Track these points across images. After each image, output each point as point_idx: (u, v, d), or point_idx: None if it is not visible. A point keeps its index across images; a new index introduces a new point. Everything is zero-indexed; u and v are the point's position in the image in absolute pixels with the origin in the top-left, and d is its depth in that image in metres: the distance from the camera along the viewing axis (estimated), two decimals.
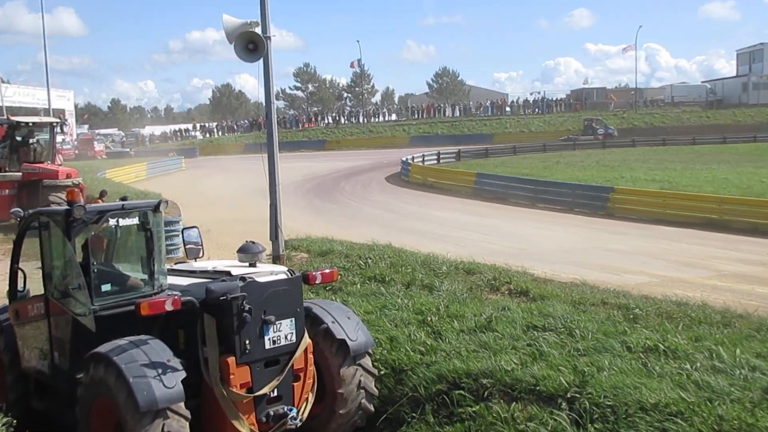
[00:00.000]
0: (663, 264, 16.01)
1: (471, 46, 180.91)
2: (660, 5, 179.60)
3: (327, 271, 7.55)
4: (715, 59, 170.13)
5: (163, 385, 5.89)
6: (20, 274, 7.85)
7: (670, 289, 12.06)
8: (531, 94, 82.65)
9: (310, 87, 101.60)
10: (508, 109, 75.85)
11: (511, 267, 12.75)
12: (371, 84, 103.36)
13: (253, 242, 7.46)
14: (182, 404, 5.98)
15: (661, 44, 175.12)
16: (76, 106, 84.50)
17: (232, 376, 6.37)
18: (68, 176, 21.43)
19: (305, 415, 6.87)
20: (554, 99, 77.50)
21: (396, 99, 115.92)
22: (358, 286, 11.58)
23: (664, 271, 15.15)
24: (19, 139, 22.10)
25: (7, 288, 8.00)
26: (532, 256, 16.34)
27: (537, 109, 74.75)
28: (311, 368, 6.98)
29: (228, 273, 7.02)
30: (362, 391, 7.19)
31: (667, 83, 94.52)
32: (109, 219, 6.95)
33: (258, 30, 12.91)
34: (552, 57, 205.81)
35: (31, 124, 22.50)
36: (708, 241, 19.18)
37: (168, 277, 7.38)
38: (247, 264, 7.34)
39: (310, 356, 6.97)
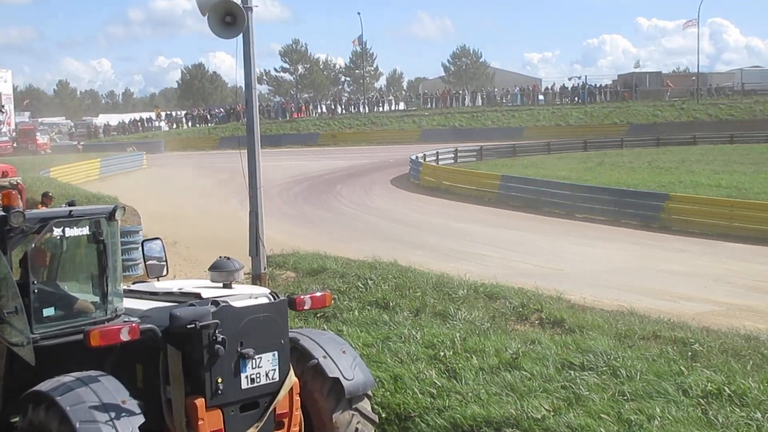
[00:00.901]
0: (728, 289, 15.98)
1: (496, 20, 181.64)
2: None
3: (318, 294, 7.55)
4: None
5: (117, 431, 5.90)
6: None
7: (737, 319, 12.06)
8: (569, 79, 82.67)
9: (300, 69, 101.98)
10: (541, 97, 75.96)
11: (543, 291, 12.77)
12: (374, 66, 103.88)
13: (229, 258, 7.46)
14: None
15: (728, 19, 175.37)
16: (14, 89, 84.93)
17: (200, 422, 6.37)
18: (4, 174, 21.53)
19: None
20: (597, 85, 77.55)
21: (405, 84, 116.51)
22: (356, 312, 11.60)
23: (729, 297, 15.13)
24: None
25: None
26: (568, 277, 16.34)
27: (576, 98, 74.79)
28: (297, 413, 6.98)
29: (197, 296, 7.03)
30: None
31: (736, 67, 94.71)
32: (54, 228, 6.95)
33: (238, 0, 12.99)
34: (595, 34, 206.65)
35: None
36: None
37: (125, 299, 7.40)
38: (220, 285, 7.34)
39: (297, 398, 6.96)
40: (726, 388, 7.73)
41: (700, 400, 7.59)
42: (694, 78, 77.26)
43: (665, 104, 70.89)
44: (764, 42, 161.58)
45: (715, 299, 14.89)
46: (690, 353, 9.12)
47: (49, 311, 6.88)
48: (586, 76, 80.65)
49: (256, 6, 13.91)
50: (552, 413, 7.34)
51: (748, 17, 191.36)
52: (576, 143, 54.90)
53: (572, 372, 8.56)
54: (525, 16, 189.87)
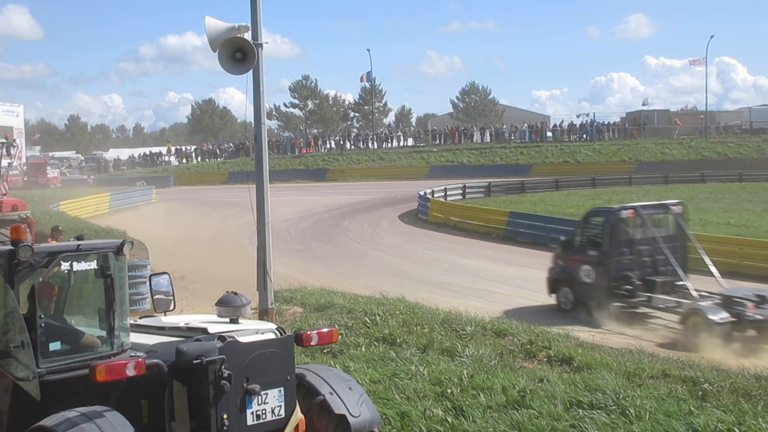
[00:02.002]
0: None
1: (505, 58, 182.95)
2: (735, 11, 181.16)
3: (325, 330, 7.53)
4: None
5: None
6: None
7: (746, 359, 11.95)
8: (578, 116, 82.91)
9: (310, 104, 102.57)
10: (549, 134, 76.06)
11: (551, 328, 12.71)
12: (383, 102, 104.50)
13: (236, 293, 7.47)
14: None
15: (735, 58, 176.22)
16: (26, 124, 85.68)
17: None
18: (14, 208, 21.61)
19: None
20: (606, 123, 77.78)
21: (413, 120, 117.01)
22: (363, 348, 11.56)
23: (738, 336, 14.98)
24: None
25: None
26: (576, 315, 16.26)
27: (585, 135, 74.94)
28: None
29: (204, 331, 7.02)
30: None
31: (744, 105, 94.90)
32: (62, 262, 6.97)
33: (247, 36, 13.11)
34: (603, 72, 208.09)
35: None
36: None
37: (131, 334, 7.39)
38: (227, 320, 7.34)
39: None
40: (736, 429, 7.66)
41: None
42: (702, 116, 77.50)
43: (673, 142, 71.00)
44: None
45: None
46: (700, 393, 9.05)
47: (55, 345, 6.87)
48: (594, 114, 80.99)
49: (266, 43, 14.05)
50: None
51: (755, 56, 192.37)
52: (584, 180, 54.90)
53: (581, 411, 8.49)
54: (533, 54, 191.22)
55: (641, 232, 17.60)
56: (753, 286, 17.97)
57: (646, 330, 15.80)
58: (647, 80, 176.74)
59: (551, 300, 18.31)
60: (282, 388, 6.78)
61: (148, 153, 78.28)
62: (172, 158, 75.94)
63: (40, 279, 6.94)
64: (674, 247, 17.61)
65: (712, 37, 77.13)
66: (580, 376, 9.82)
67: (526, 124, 77.55)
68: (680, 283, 16.76)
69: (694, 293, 16.01)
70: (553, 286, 18.38)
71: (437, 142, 76.24)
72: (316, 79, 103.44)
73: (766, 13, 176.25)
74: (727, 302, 15.08)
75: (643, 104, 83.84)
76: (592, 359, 10.65)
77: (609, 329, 15.39)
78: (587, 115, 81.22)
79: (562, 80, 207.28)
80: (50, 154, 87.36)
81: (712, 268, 17.04)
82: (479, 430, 8.11)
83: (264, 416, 6.67)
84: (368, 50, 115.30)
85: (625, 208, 17.96)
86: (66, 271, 7.08)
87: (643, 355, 11.17)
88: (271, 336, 6.99)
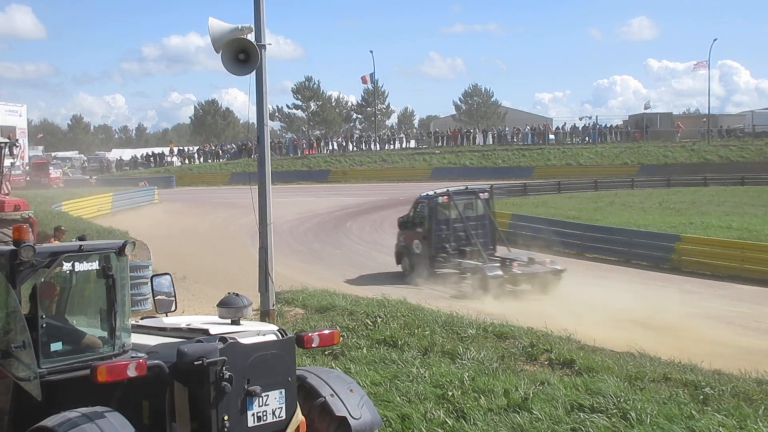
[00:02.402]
0: (740, 331, 15.87)
1: (507, 60, 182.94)
2: (737, 14, 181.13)
3: (326, 331, 7.53)
4: None
5: None
6: None
7: (748, 363, 11.92)
8: (580, 119, 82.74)
9: (312, 105, 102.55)
10: (551, 136, 76.10)
11: (553, 331, 12.69)
12: (386, 103, 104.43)
13: (237, 294, 7.48)
14: None
15: (738, 62, 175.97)
16: (29, 123, 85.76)
17: None
18: (16, 208, 21.60)
19: None
20: (608, 126, 77.77)
21: (416, 122, 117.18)
22: (364, 350, 11.56)
23: (740, 339, 15.01)
24: None
25: None
26: (578, 317, 16.23)
27: (587, 138, 74.96)
28: None
29: (205, 332, 7.02)
30: None
31: (746, 109, 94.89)
32: (64, 263, 6.98)
33: (251, 37, 13.12)
34: (606, 75, 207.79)
35: None
36: None
37: (132, 335, 7.39)
38: (228, 321, 7.35)
39: None
40: None
41: None
42: (704, 119, 77.40)
43: (676, 145, 70.97)
44: None
45: (726, 342, 14.76)
46: (701, 396, 9.04)
47: (56, 346, 6.87)
48: (596, 116, 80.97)
49: (270, 44, 14.04)
50: None
51: (758, 59, 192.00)
52: (586, 183, 54.88)
53: (582, 414, 8.48)
54: (536, 57, 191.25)
55: (455, 213, 22.28)
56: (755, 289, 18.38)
57: (451, 286, 20.68)
58: (650, 83, 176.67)
59: (553, 302, 18.39)
60: (283, 390, 6.78)
61: (150, 153, 78.32)
62: (175, 159, 75.99)
63: (42, 279, 6.95)
64: (483, 224, 22.70)
65: (715, 40, 77.13)
66: (581, 380, 9.81)
67: (528, 127, 77.54)
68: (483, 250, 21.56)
69: (485, 257, 21.05)
70: (398, 257, 23.41)
71: (439, 143, 76.24)
72: (318, 81, 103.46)
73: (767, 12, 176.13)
74: (503, 263, 20.53)
75: (646, 107, 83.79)
76: (593, 362, 10.63)
77: (431, 288, 20.40)
78: (590, 117, 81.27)
79: (564, 82, 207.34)
80: (53, 154, 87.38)
81: (504, 239, 23.36)
82: None
83: (265, 418, 6.67)
84: (371, 52, 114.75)
85: (441, 195, 22.53)
86: (68, 272, 7.08)
87: (645, 358, 11.15)
88: (273, 337, 6.99)
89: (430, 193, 23.21)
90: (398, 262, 23.25)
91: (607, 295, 19.77)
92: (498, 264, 20.53)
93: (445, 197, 22.29)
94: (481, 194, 23.09)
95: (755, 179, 56.85)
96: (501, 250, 22.21)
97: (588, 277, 22.77)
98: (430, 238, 22.03)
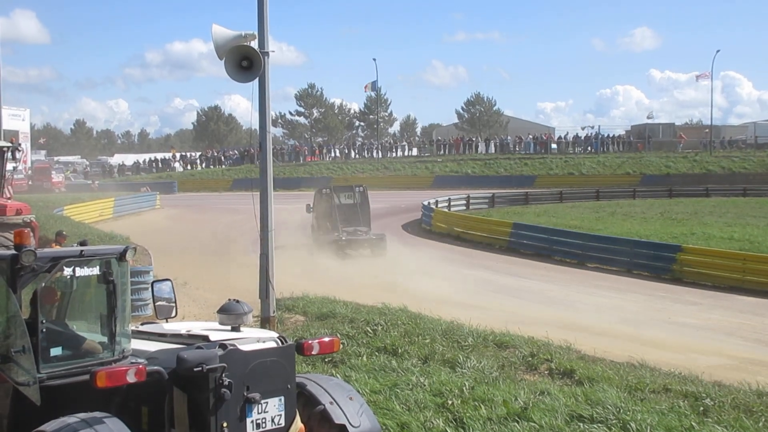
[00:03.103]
0: (741, 343, 15.84)
1: (510, 69, 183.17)
2: (740, 25, 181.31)
3: (326, 339, 7.53)
4: None
5: None
6: None
7: (749, 374, 11.92)
8: (582, 128, 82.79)
9: (315, 112, 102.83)
10: (554, 146, 76.14)
11: (553, 341, 12.68)
12: (388, 111, 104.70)
13: (238, 301, 7.47)
14: None
15: (741, 73, 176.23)
16: (32, 128, 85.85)
17: None
18: (18, 212, 21.61)
19: None
20: (611, 135, 77.84)
21: (418, 130, 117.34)
22: (364, 358, 11.54)
23: (742, 351, 14.98)
24: None
25: None
26: (578, 327, 16.23)
27: (589, 147, 75.01)
28: None
29: (205, 338, 7.02)
30: None
31: (748, 120, 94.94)
32: (65, 268, 6.98)
33: (254, 44, 13.16)
34: (608, 85, 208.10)
35: None
36: None
37: (133, 340, 7.39)
38: (229, 328, 7.34)
39: None
40: None
41: None
42: (707, 130, 77.52)
43: (678, 156, 70.99)
44: None
45: (727, 353, 14.75)
46: (701, 408, 9.02)
47: (56, 351, 6.87)
48: (599, 126, 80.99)
49: (273, 51, 14.08)
50: None
51: (760, 71, 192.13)
52: (588, 192, 54.91)
53: (582, 424, 8.47)
54: (538, 66, 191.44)
55: (341, 201, 30.41)
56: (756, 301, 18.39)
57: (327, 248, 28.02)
58: (652, 93, 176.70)
59: (554, 311, 18.41)
60: (282, 397, 6.78)
61: (153, 159, 78.43)
62: (177, 164, 76.09)
63: (43, 284, 6.94)
64: (361, 208, 30.34)
65: (718, 51, 77.05)
66: (581, 390, 9.79)
67: (530, 136, 77.60)
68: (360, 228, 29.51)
69: (339, 230, 29.16)
70: (311, 228, 31.32)
71: (442, 152, 76.33)
72: (321, 88, 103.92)
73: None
74: (349, 234, 29.12)
75: (649, 117, 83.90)
76: (593, 372, 10.62)
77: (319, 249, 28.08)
78: (592, 127, 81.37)
79: (567, 92, 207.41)
80: (55, 158, 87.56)
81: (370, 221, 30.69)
82: None
83: (264, 425, 6.66)
84: (374, 59, 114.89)
85: (325, 188, 32.95)
86: (68, 277, 7.08)
87: (645, 369, 11.14)
88: (273, 345, 6.98)
89: (324, 187, 34.21)
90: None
91: (613, 305, 19.78)
92: (344, 234, 28.91)
93: (327, 190, 31.99)
94: (356, 188, 31.44)
95: (757, 190, 56.94)
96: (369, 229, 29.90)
97: (592, 287, 22.80)
98: (319, 218, 30.76)
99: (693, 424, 8.33)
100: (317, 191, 32.24)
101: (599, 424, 8.39)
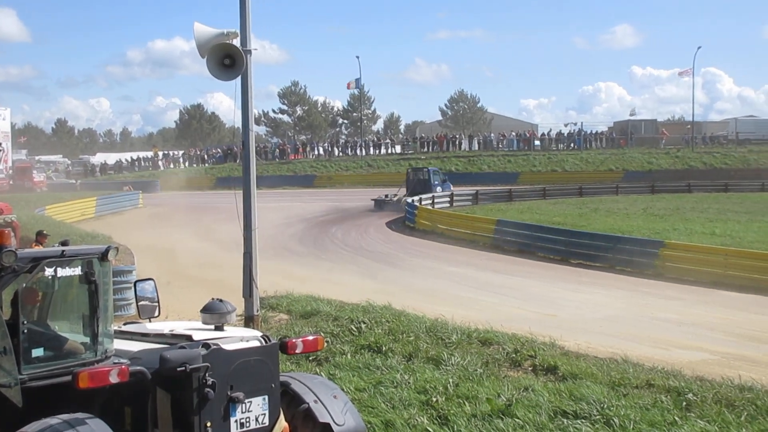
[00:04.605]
0: (722, 338, 15.93)
1: (492, 67, 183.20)
2: (720, 22, 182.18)
3: (310, 337, 7.52)
4: None
5: None
6: None
7: (731, 369, 12.00)
8: (565, 125, 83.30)
9: (299, 110, 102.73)
10: (537, 142, 76.30)
11: (537, 337, 12.72)
12: (372, 109, 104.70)
13: (221, 300, 7.45)
14: None
15: (722, 69, 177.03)
16: (12, 127, 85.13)
17: None
18: None
19: None
20: (593, 132, 78.13)
21: (402, 127, 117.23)
22: (349, 356, 11.54)
23: (724, 346, 15.08)
24: None
25: None
26: (562, 324, 16.29)
27: (572, 144, 75.26)
28: None
29: (188, 338, 7.00)
30: None
31: (729, 116, 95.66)
32: (46, 268, 6.94)
33: (236, 42, 13.11)
34: (591, 82, 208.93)
35: None
36: None
37: (115, 340, 7.35)
38: (212, 327, 7.32)
39: None
40: None
41: None
42: (689, 126, 77.97)
43: (660, 152, 71.41)
44: (757, 92, 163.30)
45: (709, 348, 14.84)
46: (684, 403, 9.07)
47: (38, 352, 6.83)
48: (582, 123, 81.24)
49: (255, 49, 14.02)
50: None
51: (741, 67, 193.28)
52: (571, 189, 55.14)
53: (565, 420, 8.50)
54: (521, 63, 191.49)
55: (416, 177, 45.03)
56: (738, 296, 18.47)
57: None
58: (634, 90, 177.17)
59: (537, 308, 18.48)
60: (266, 396, 6.76)
61: (135, 158, 78.05)
62: (160, 163, 75.76)
63: (24, 284, 6.90)
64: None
65: (699, 48, 77.52)
66: (564, 386, 9.83)
67: (513, 133, 77.79)
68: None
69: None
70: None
71: (425, 149, 76.33)
72: (305, 86, 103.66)
73: (751, 24, 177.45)
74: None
75: (632, 114, 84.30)
76: (577, 368, 10.66)
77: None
78: (575, 124, 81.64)
79: (549, 89, 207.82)
80: (37, 157, 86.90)
81: None
82: None
83: (248, 424, 6.65)
84: (357, 57, 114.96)
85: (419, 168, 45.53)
86: (50, 277, 7.03)
87: (628, 364, 11.18)
88: (256, 344, 6.97)
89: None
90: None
91: (596, 301, 19.87)
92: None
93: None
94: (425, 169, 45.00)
95: (738, 186, 57.36)
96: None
97: (575, 283, 22.90)
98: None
99: (676, 418, 8.38)
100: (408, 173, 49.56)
101: (583, 420, 8.43)
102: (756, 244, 26.15)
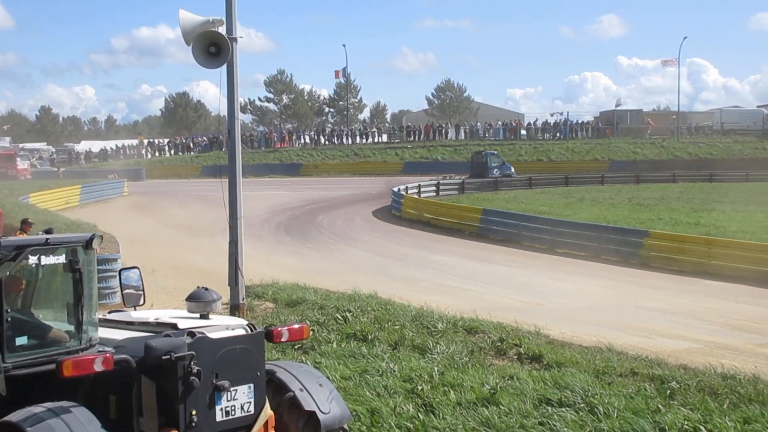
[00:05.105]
0: (706, 326, 16.04)
1: (479, 56, 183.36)
2: (707, 13, 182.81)
3: (296, 326, 7.51)
4: None
5: None
6: None
7: (714, 357, 12.09)
8: (552, 115, 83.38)
9: (285, 99, 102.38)
10: (523, 132, 76.39)
11: (522, 326, 12.77)
12: (358, 98, 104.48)
13: (207, 288, 7.42)
14: None
15: (707, 60, 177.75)
16: None
17: None
18: None
19: None
20: (579, 122, 78.25)
21: (388, 116, 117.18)
22: (334, 345, 11.55)
23: (707, 335, 15.18)
24: None
25: None
26: (547, 312, 16.36)
27: (558, 134, 75.39)
28: None
29: (173, 326, 6.97)
30: None
31: (714, 106, 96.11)
32: (30, 256, 6.89)
33: (222, 30, 13.04)
34: (577, 71, 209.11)
35: None
36: (762, 300, 19.24)
37: (100, 329, 7.33)
38: (197, 315, 7.30)
39: (272, 431, 6.91)
40: (702, 427, 7.75)
41: None
42: (674, 116, 78.25)
43: (645, 142, 71.66)
44: (742, 83, 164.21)
45: (693, 337, 14.93)
46: (667, 391, 9.13)
47: (22, 340, 6.80)
48: (568, 113, 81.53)
49: (241, 37, 13.99)
50: None
51: (726, 58, 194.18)
52: (557, 178, 55.26)
53: (550, 408, 8.54)
54: (508, 53, 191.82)
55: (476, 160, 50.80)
56: (722, 285, 18.61)
57: None
58: (620, 80, 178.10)
59: (523, 297, 18.54)
60: (251, 385, 6.76)
61: (120, 146, 77.67)
62: (145, 151, 75.42)
63: (8, 273, 6.85)
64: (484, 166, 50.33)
65: (685, 38, 77.81)
66: (549, 374, 9.88)
67: (500, 122, 77.81)
68: None
69: None
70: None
71: (412, 138, 76.24)
72: (291, 74, 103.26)
73: (737, 14, 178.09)
74: None
75: (618, 104, 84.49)
76: (561, 357, 10.71)
77: None
78: (561, 113, 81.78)
79: (536, 79, 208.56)
80: (20, 145, 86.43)
81: None
82: (449, 427, 8.13)
83: (233, 412, 6.65)
84: (344, 46, 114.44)
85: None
86: (34, 265, 6.99)
87: (613, 353, 11.24)
88: (242, 332, 6.95)
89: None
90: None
91: (581, 290, 19.94)
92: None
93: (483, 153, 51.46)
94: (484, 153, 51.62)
95: (723, 176, 57.65)
96: None
97: (560, 272, 22.98)
98: None
99: (659, 406, 8.44)
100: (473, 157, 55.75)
101: (567, 408, 8.47)
102: (740, 234, 26.31)
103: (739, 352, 13.64)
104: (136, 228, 30.19)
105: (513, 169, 55.34)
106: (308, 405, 7.04)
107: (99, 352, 6.61)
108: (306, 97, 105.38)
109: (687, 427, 7.80)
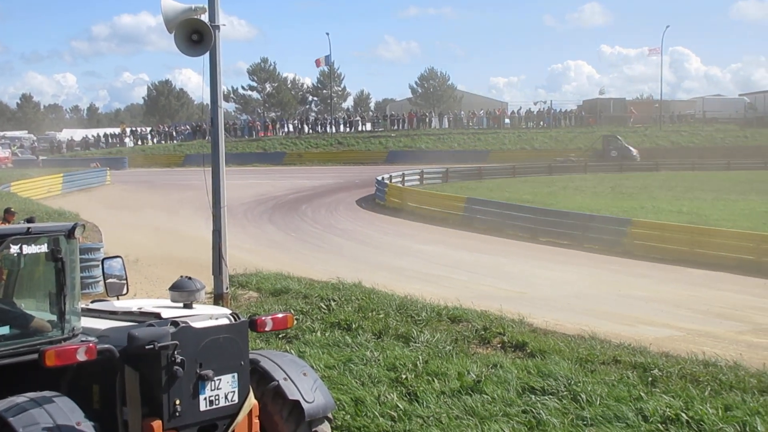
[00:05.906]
0: (688, 314, 16.15)
1: (462, 45, 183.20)
2: (689, 1, 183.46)
3: (280, 315, 7.49)
4: (753, 68, 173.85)
5: None
6: None
7: (696, 345, 12.19)
8: (535, 103, 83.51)
9: (268, 87, 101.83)
10: (507, 120, 76.57)
11: (506, 314, 12.81)
12: (342, 86, 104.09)
13: (190, 278, 7.39)
14: None
15: (689, 48, 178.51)
16: None
17: None
18: None
19: None
20: (563, 110, 78.45)
21: (372, 105, 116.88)
22: (318, 334, 11.56)
23: (689, 323, 15.29)
24: None
25: None
26: (531, 301, 16.43)
27: (542, 122, 75.57)
28: None
29: (157, 315, 6.95)
30: None
31: (696, 95, 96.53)
32: (11, 245, 6.85)
33: (204, 17, 12.97)
34: (560, 60, 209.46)
35: None
36: (743, 287, 19.41)
37: (83, 318, 7.29)
38: (181, 305, 7.27)
39: (256, 421, 6.90)
40: (684, 414, 7.80)
41: (659, 425, 7.64)
42: (656, 105, 78.56)
43: (628, 130, 71.87)
44: (723, 71, 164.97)
45: (675, 324, 15.04)
46: (649, 378, 9.20)
47: (4, 330, 6.76)
48: (551, 101, 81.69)
49: (224, 25, 13.90)
50: None
51: (708, 47, 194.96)
52: (541, 167, 55.41)
53: (533, 396, 8.59)
54: (491, 42, 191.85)
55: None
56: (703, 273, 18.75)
57: None
58: (603, 69, 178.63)
59: (506, 285, 18.61)
60: (235, 374, 6.75)
61: (102, 134, 77.19)
62: (128, 139, 74.97)
63: None
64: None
65: (667, 27, 78.10)
66: (533, 362, 9.92)
67: (483, 111, 77.87)
68: None
69: None
70: None
71: (395, 127, 76.17)
72: (274, 62, 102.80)
73: (719, 3, 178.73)
74: None
75: (601, 93, 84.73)
76: (545, 345, 10.76)
77: None
78: (544, 102, 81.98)
79: (519, 67, 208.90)
80: (1, 133, 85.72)
81: None
82: (433, 415, 8.16)
83: (217, 402, 6.64)
84: (327, 34, 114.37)
85: None
86: (15, 255, 6.94)
87: (596, 341, 11.31)
88: (225, 321, 6.93)
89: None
90: None
91: (564, 278, 20.02)
92: None
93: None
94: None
95: (705, 164, 57.95)
96: None
97: (544, 261, 23.06)
98: None
99: (641, 394, 8.50)
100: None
101: (550, 396, 8.52)
102: (721, 222, 26.52)
103: (721, 339, 13.76)
104: (118, 217, 30.02)
105: (635, 152, 62.13)
106: (292, 394, 7.03)
107: (82, 341, 6.57)
108: (289, 86, 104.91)
109: (669, 413, 7.86)
